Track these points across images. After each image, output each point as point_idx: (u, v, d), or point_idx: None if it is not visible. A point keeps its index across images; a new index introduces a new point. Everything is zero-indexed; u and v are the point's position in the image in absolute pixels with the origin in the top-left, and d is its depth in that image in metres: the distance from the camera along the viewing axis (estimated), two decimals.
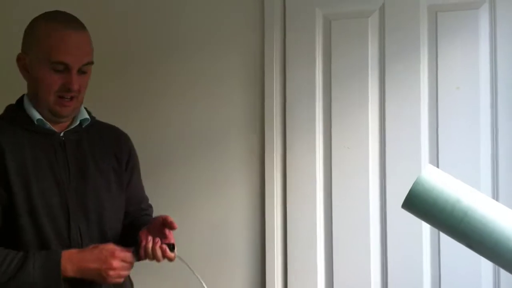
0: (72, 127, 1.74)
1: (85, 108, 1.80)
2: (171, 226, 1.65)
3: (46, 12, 1.71)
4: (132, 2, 2.50)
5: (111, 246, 1.62)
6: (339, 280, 2.28)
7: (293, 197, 2.33)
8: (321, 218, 2.31)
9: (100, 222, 1.73)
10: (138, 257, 1.67)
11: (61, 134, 1.72)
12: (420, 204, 1.21)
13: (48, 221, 1.64)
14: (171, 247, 1.65)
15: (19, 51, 1.70)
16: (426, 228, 2.17)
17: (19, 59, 1.69)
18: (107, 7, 2.53)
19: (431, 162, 2.19)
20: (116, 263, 1.60)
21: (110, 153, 1.81)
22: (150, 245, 1.64)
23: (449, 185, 1.20)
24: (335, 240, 2.28)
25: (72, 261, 1.58)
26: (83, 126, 1.77)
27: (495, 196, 2.13)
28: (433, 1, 2.23)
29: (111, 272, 1.59)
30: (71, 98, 1.67)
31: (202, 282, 1.67)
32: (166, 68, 2.46)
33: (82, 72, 1.68)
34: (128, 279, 1.83)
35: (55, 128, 1.71)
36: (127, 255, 1.63)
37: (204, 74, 2.43)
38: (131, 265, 1.65)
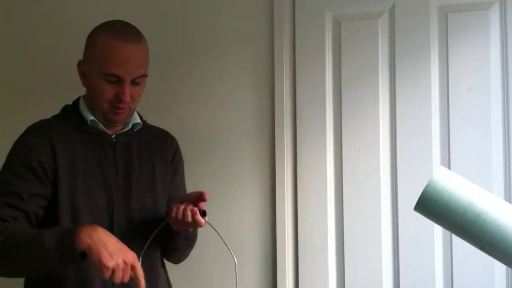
0: (124, 130, 1.81)
1: (137, 113, 1.86)
2: (203, 198, 1.69)
3: (106, 22, 1.78)
4: (142, 3, 2.51)
5: (132, 253, 1.56)
6: (351, 283, 2.27)
7: (304, 200, 2.32)
8: (332, 220, 2.31)
9: (142, 221, 1.77)
10: (168, 219, 1.70)
11: (113, 136, 1.79)
12: (432, 206, 1.20)
13: (89, 218, 1.68)
14: (202, 212, 1.69)
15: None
16: (438, 230, 2.16)
17: (78, 65, 1.77)
18: (117, 10, 2.54)
19: (442, 164, 2.18)
20: (130, 257, 1.53)
21: (156, 154, 1.87)
22: (182, 206, 1.68)
23: (462, 187, 1.20)
24: (347, 243, 2.28)
25: (85, 234, 1.52)
26: (134, 130, 1.84)
27: (508, 197, 2.12)
28: (443, 1, 2.22)
29: (119, 261, 1.50)
30: (124, 108, 1.73)
31: (231, 252, 1.76)
32: (175, 70, 2.46)
33: (135, 83, 1.72)
34: (166, 281, 1.87)
35: (107, 131, 1.79)
36: (140, 271, 1.55)
37: (213, 76, 2.43)
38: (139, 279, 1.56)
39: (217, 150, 2.41)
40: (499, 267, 2.10)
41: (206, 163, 2.41)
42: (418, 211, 1.24)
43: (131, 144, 1.82)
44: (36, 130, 1.74)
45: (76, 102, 1.82)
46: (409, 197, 2.13)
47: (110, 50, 1.68)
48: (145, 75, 1.76)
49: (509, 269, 2.06)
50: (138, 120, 1.85)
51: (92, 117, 1.76)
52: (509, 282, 2.11)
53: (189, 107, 2.43)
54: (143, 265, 1.57)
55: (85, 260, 1.54)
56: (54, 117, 1.82)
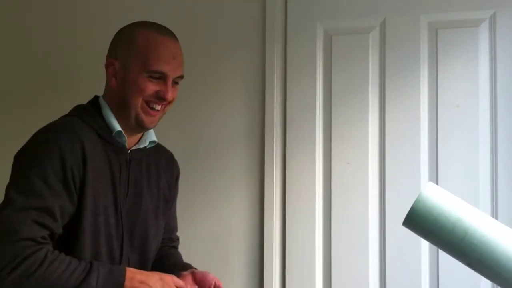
0: (141, 146, 1.68)
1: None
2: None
3: (141, 21, 1.67)
4: (135, 12, 2.51)
5: (169, 276, 1.55)
6: None
7: (292, 210, 2.33)
8: (320, 231, 2.31)
9: (143, 249, 1.68)
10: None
11: (129, 151, 1.65)
12: (421, 221, 1.21)
13: (105, 241, 1.56)
14: None
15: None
16: (425, 244, 2.17)
17: (108, 64, 1.62)
18: (104, 10, 2.55)
19: (430, 178, 2.19)
20: None
21: (162, 178, 1.75)
22: None
23: (450, 203, 1.20)
24: (334, 254, 2.28)
25: (132, 281, 1.47)
26: (146, 148, 1.71)
27: (494, 213, 2.13)
28: (434, 18, 2.24)
29: None
30: (158, 110, 1.61)
31: None
32: None
33: (175, 83, 1.63)
34: None
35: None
36: (182, 285, 1.56)
37: (205, 86, 2.43)
38: None
39: (206, 159, 2.41)
40: (485, 285, 2.11)
41: (195, 171, 2.40)
42: (406, 227, 1.25)
43: (142, 163, 1.69)
44: (69, 134, 1.51)
45: (97, 104, 1.64)
46: (397, 210, 2.14)
47: (156, 45, 1.58)
48: (183, 77, 1.66)
49: (495, 286, 2.07)
50: (155, 138, 1.72)
51: (119, 128, 1.59)
52: None
53: (180, 116, 2.43)
54: None
55: None
56: (79, 118, 1.58)
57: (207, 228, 2.40)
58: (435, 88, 2.22)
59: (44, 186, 1.43)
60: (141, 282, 1.47)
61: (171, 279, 1.53)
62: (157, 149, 1.76)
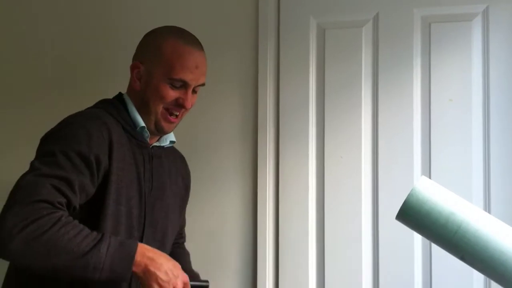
0: (162, 144, 1.75)
1: None
2: None
3: (169, 26, 1.73)
4: (126, 12, 2.51)
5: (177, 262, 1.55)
6: None
7: (286, 206, 2.33)
8: (313, 226, 2.31)
9: (163, 243, 1.71)
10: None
11: (151, 146, 1.71)
12: (414, 215, 1.21)
13: (125, 231, 1.59)
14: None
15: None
16: (418, 238, 2.17)
17: (134, 66, 1.68)
18: (101, 14, 2.53)
19: (423, 172, 2.19)
20: (180, 285, 1.51)
21: (180, 176, 1.84)
22: None
23: (443, 197, 1.20)
24: (327, 249, 2.28)
25: (143, 257, 1.46)
26: (165, 147, 1.77)
27: (487, 207, 2.14)
28: (427, 12, 2.24)
29: None
30: (176, 116, 1.68)
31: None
32: None
33: (194, 91, 1.69)
34: None
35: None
36: (187, 281, 1.55)
37: None
38: None
39: (200, 155, 2.40)
40: (477, 278, 2.12)
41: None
42: (399, 220, 1.25)
43: (163, 160, 1.75)
44: (98, 121, 1.56)
45: (122, 100, 1.70)
46: (390, 204, 2.14)
47: (182, 54, 1.64)
48: (204, 84, 1.72)
49: (487, 279, 2.08)
50: (174, 138, 1.80)
51: (143, 124, 1.66)
52: None
53: None
54: None
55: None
56: (105, 111, 1.63)
57: (201, 224, 2.39)
58: (428, 82, 2.22)
59: (67, 162, 1.46)
60: (151, 259, 1.46)
61: (179, 264, 1.53)
62: (172, 149, 1.84)
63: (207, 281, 1.71)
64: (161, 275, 1.46)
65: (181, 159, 1.91)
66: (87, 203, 1.53)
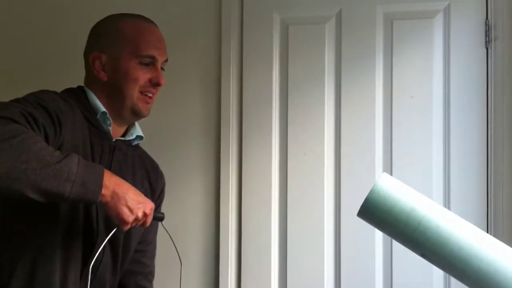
0: (127, 139, 1.67)
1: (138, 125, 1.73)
2: None
3: (120, 13, 1.69)
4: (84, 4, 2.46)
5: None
6: (293, 285, 2.27)
7: (249, 202, 2.32)
8: (276, 223, 2.31)
9: (124, 245, 1.63)
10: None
11: (113, 140, 1.62)
12: (375, 212, 1.21)
13: (71, 222, 1.49)
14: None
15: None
16: (379, 235, 2.19)
17: (94, 58, 1.61)
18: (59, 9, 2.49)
19: (385, 169, 2.21)
20: (148, 212, 1.45)
21: (146, 179, 1.73)
22: None
23: (405, 194, 1.21)
24: (290, 245, 2.28)
25: (110, 181, 1.38)
26: (132, 144, 1.69)
27: (447, 203, 2.16)
28: (389, 9, 2.25)
29: (139, 214, 1.42)
30: (151, 96, 1.63)
31: (179, 255, 1.74)
32: None
33: (162, 69, 1.66)
34: None
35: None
36: (150, 219, 1.49)
37: None
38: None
39: (162, 151, 2.36)
40: (437, 274, 2.14)
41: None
42: (361, 217, 1.25)
43: (127, 157, 1.66)
44: (66, 102, 1.51)
45: (82, 88, 1.63)
46: (352, 201, 2.15)
47: (144, 31, 1.63)
48: (167, 60, 1.69)
49: (447, 275, 2.11)
50: (141, 133, 1.71)
51: (103, 109, 1.58)
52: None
53: None
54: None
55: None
56: (65, 97, 1.56)
57: (164, 220, 2.37)
58: (390, 79, 2.23)
59: (28, 103, 1.41)
60: (118, 184, 1.39)
61: (151, 207, 1.46)
62: (143, 153, 1.77)
63: (163, 213, 1.66)
64: (129, 199, 1.39)
65: (153, 165, 1.80)
66: None
